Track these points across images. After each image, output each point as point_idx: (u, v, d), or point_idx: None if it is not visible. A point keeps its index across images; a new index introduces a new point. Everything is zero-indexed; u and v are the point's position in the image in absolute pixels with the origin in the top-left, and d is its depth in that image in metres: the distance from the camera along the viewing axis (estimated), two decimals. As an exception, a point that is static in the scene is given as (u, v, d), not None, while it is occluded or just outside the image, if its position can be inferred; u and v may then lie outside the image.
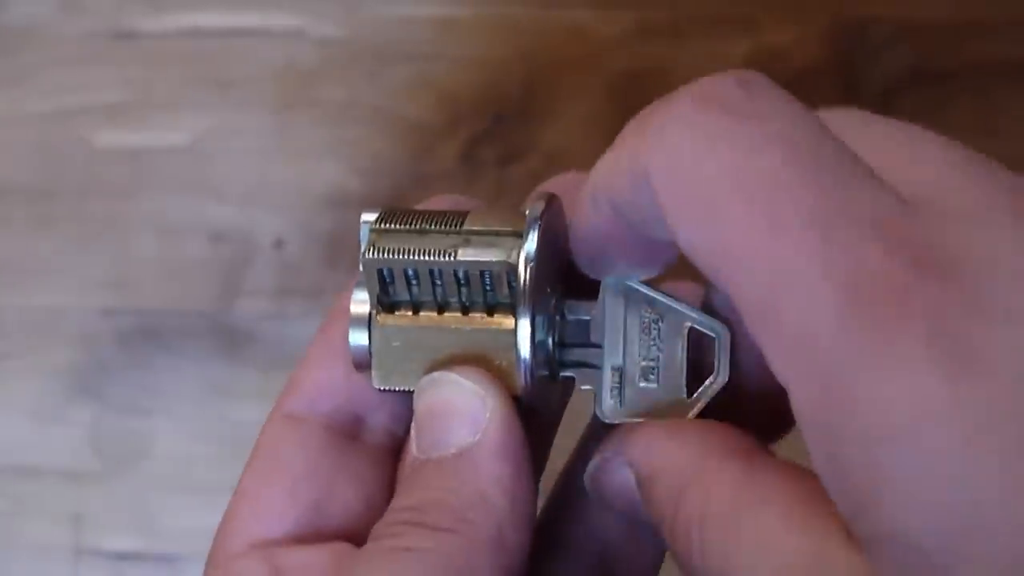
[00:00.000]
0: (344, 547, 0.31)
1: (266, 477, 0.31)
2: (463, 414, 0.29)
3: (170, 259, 0.51)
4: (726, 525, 0.26)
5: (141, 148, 0.52)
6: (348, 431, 0.32)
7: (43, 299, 0.51)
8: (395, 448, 0.32)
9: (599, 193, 0.28)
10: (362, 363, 0.31)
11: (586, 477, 0.30)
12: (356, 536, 0.31)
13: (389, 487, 0.32)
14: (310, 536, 0.31)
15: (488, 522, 0.28)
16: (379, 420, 0.32)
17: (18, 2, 0.53)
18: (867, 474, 0.23)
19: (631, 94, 0.51)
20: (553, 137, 0.51)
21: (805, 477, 0.26)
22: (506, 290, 0.30)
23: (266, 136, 0.52)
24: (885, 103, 0.50)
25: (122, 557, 0.50)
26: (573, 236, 0.30)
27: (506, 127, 0.51)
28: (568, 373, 0.31)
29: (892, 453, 0.23)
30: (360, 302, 0.31)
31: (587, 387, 0.31)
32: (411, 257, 0.30)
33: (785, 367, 0.24)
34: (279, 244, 0.51)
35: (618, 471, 0.29)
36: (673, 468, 0.28)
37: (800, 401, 0.24)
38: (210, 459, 0.50)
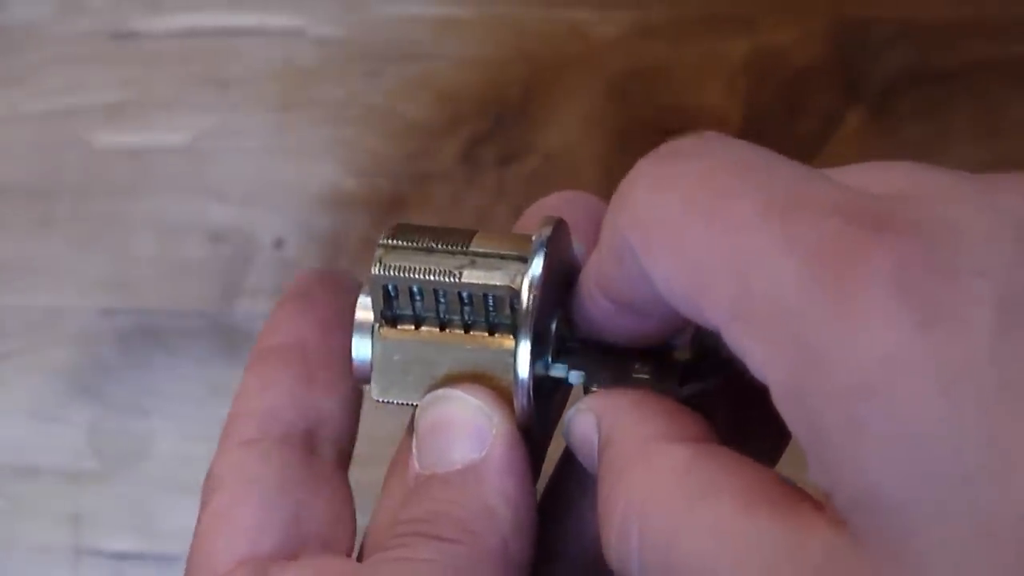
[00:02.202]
0: (336, 560, 0.31)
1: (239, 496, 0.31)
2: (469, 430, 0.30)
3: (170, 259, 0.51)
4: (673, 512, 0.26)
5: (141, 148, 0.52)
6: (304, 446, 0.32)
7: (43, 299, 0.51)
8: (344, 460, 0.33)
9: (593, 288, 0.29)
10: (362, 374, 0.31)
11: (563, 421, 0.30)
12: (333, 548, 0.31)
13: (349, 498, 0.32)
14: (295, 550, 0.31)
15: (493, 533, 0.29)
16: (327, 434, 0.33)
17: (18, 2, 0.53)
18: (846, 434, 0.23)
19: (631, 94, 0.51)
20: (553, 137, 0.51)
21: (760, 468, 0.26)
22: (508, 312, 0.30)
23: (266, 136, 0.52)
24: (885, 103, 0.50)
25: (122, 557, 0.50)
26: (578, 323, 0.31)
27: (506, 127, 0.51)
28: (560, 364, 0.31)
29: (869, 408, 0.23)
30: (365, 310, 0.31)
31: (578, 372, 0.31)
32: (416, 276, 0.30)
33: (761, 352, 0.24)
34: (279, 244, 0.51)
35: (585, 424, 0.29)
36: (626, 439, 0.28)
37: (776, 379, 0.24)
38: (210, 459, 0.50)
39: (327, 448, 0.33)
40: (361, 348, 0.31)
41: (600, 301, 0.29)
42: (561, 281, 0.31)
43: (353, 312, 0.32)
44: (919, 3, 0.50)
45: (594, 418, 0.29)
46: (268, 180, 0.51)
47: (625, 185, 0.28)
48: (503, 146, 0.51)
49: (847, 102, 0.50)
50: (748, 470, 0.26)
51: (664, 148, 0.27)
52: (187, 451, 0.50)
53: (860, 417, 0.23)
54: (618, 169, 0.50)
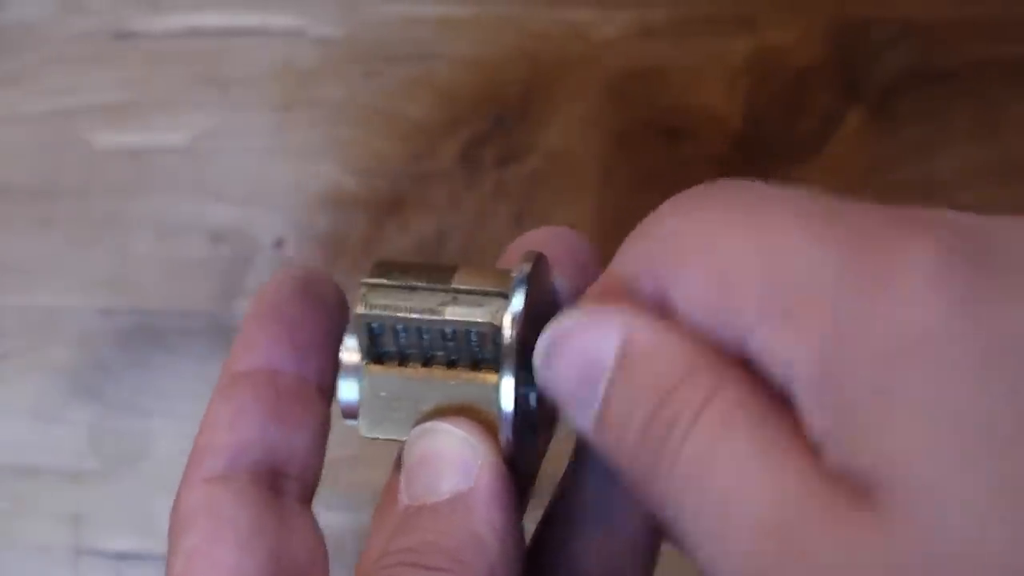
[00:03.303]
0: None
1: (214, 535, 0.31)
2: (455, 462, 0.30)
3: (170, 259, 0.51)
4: (714, 438, 0.26)
5: (141, 148, 0.52)
6: (271, 485, 0.32)
7: (43, 299, 0.51)
8: (308, 496, 0.33)
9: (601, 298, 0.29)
10: (350, 411, 0.32)
11: (547, 337, 0.29)
12: None
13: (320, 536, 0.32)
14: None
15: (481, 563, 0.29)
16: (294, 471, 0.33)
17: (18, 2, 0.53)
18: (875, 399, 0.23)
19: (631, 94, 0.51)
20: (553, 137, 0.51)
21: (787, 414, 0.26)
22: (491, 346, 0.31)
23: (266, 136, 0.52)
24: (885, 103, 0.50)
25: (122, 557, 0.50)
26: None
27: (506, 127, 0.51)
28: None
29: (903, 373, 0.23)
30: (350, 352, 0.32)
31: None
32: (399, 315, 0.31)
33: (790, 342, 0.25)
34: (279, 244, 0.51)
35: (602, 335, 0.28)
36: (670, 355, 0.27)
37: (803, 364, 0.24)
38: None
39: (293, 485, 0.33)
40: (347, 391, 0.32)
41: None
42: (543, 313, 0.31)
43: (330, 330, 0.33)
44: (919, 3, 0.51)
45: (615, 330, 0.28)
46: (268, 180, 0.51)
47: (650, 216, 0.28)
48: (503, 146, 0.51)
49: (847, 102, 0.50)
50: (775, 413, 0.26)
51: (690, 190, 0.28)
52: (187, 451, 0.50)
53: (893, 381, 0.23)
54: (618, 169, 0.50)
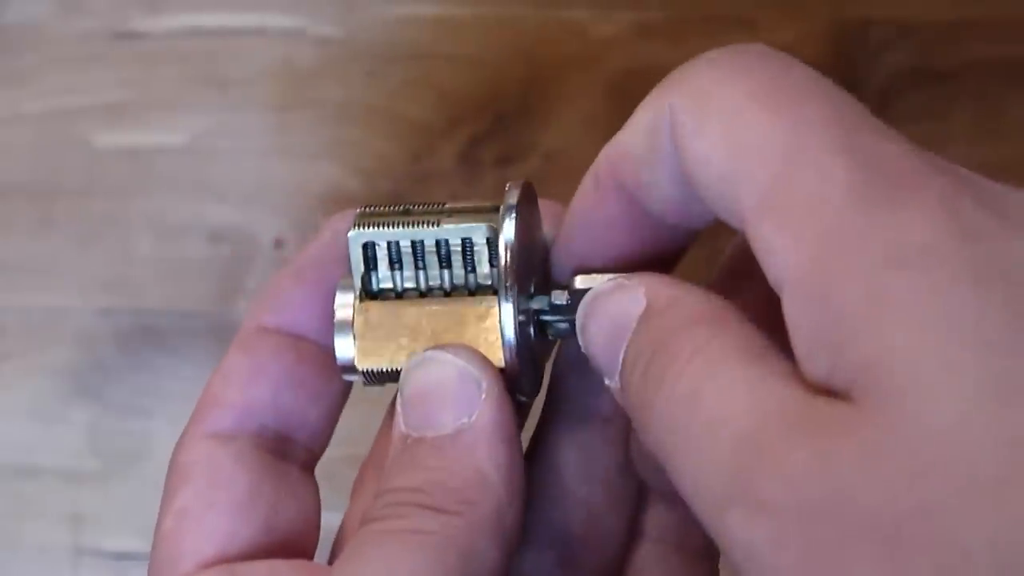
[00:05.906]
0: (303, 562, 0.30)
1: (209, 497, 0.30)
2: (457, 394, 0.29)
3: (170, 259, 0.51)
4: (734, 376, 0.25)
5: (141, 148, 0.52)
6: (275, 449, 0.32)
7: (43, 299, 0.51)
8: (313, 463, 0.32)
9: (603, 172, 0.29)
10: (349, 369, 0.31)
11: (585, 304, 0.29)
12: (300, 553, 0.31)
13: (317, 504, 0.32)
14: (262, 554, 0.30)
15: (489, 503, 0.28)
16: (301, 438, 0.32)
17: (18, 2, 0.53)
18: (867, 301, 0.23)
19: (631, 94, 0.50)
20: (553, 137, 0.51)
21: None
22: (487, 268, 0.30)
23: (265, 136, 0.52)
24: (885, 103, 0.50)
25: (122, 557, 0.50)
26: (566, 223, 0.30)
27: (506, 127, 0.51)
28: (541, 296, 0.31)
29: (898, 278, 0.23)
30: (344, 308, 0.31)
31: (560, 292, 0.31)
32: (395, 229, 0.30)
33: (788, 241, 0.24)
34: (279, 244, 0.51)
35: (627, 297, 0.28)
36: (678, 310, 0.27)
37: (797, 266, 0.24)
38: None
39: (299, 451, 0.32)
40: (344, 349, 0.31)
41: (608, 187, 0.29)
42: (533, 248, 0.31)
43: None
44: (919, 3, 0.51)
45: (639, 292, 0.28)
46: (268, 180, 0.51)
47: (686, 64, 0.27)
48: (503, 146, 0.51)
49: (847, 102, 0.50)
50: (772, 353, 0.26)
51: (735, 46, 0.27)
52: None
53: (887, 285, 0.23)
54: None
